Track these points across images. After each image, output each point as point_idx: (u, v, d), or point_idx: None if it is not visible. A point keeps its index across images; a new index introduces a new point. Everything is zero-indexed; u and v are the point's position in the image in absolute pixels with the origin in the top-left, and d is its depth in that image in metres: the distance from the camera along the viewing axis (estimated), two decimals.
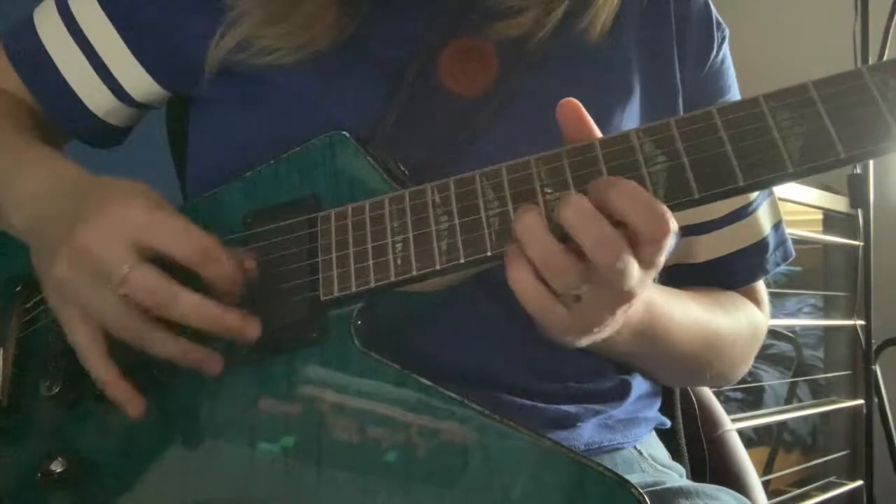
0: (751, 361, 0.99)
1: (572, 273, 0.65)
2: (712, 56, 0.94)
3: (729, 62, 0.97)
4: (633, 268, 0.65)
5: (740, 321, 0.95)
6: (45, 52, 0.94)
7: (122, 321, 0.72)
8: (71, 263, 0.72)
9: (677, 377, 1.01)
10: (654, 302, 0.81)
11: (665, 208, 0.64)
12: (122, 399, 0.74)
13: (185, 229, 0.72)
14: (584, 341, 0.72)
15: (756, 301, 1.00)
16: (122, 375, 0.74)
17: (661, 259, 0.66)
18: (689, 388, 1.15)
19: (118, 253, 0.71)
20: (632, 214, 0.64)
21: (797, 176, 0.64)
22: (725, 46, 0.96)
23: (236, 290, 0.73)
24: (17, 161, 0.86)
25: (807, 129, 0.64)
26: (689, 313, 0.88)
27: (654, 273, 0.68)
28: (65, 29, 0.93)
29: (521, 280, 0.66)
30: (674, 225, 0.64)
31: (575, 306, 0.67)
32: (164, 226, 0.72)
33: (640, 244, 0.65)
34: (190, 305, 0.71)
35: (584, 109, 0.69)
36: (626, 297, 0.68)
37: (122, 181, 0.77)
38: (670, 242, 0.65)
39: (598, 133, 0.70)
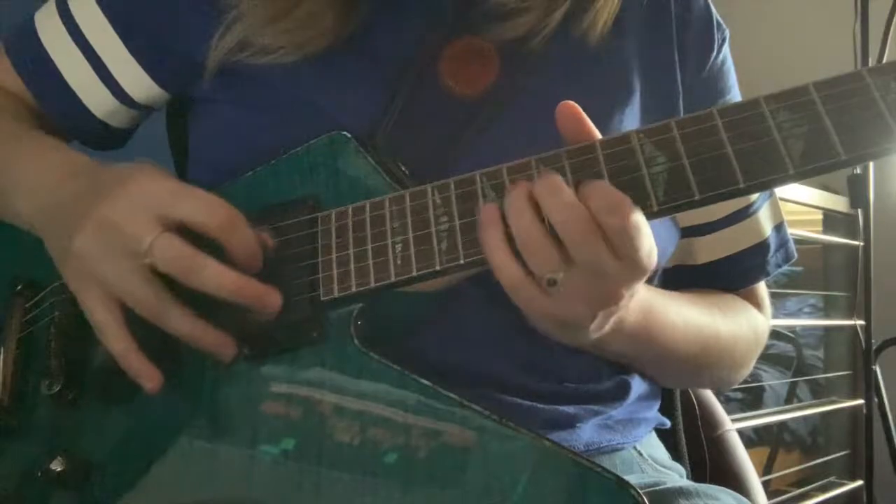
0: (752, 364, 0.98)
1: (548, 253, 0.66)
2: (713, 57, 0.94)
3: (730, 63, 0.97)
4: (605, 254, 0.65)
5: (740, 324, 0.95)
6: (46, 54, 0.94)
7: (142, 293, 0.72)
8: (93, 236, 0.73)
9: (676, 379, 1.01)
10: (650, 305, 0.81)
11: (621, 195, 0.65)
12: (138, 371, 0.74)
13: (208, 200, 0.73)
14: (568, 336, 0.73)
15: (757, 303, 1.00)
16: (138, 349, 0.74)
17: (639, 255, 0.66)
18: (689, 388, 1.15)
19: (143, 224, 0.71)
20: (591, 200, 0.65)
21: (798, 177, 0.64)
22: (726, 47, 0.96)
23: (257, 264, 0.74)
24: (21, 149, 0.86)
25: (807, 130, 0.64)
26: (687, 316, 0.88)
27: (640, 274, 0.68)
28: (65, 31, 0.93)
29: (497, 250, 0.67)
30: (632, 212, 0.65)
31: (553, 293, 0.67)
32: (189, 196, 0.73)
33: (608, 236, 0.65)
34: (215, 273, 0.71)
35: (582, 112, 0.70)
36: (610, 296, 0.68)
37: (136, 163, 0.78)
38: (635, 232, 0.65)
39: (598, 135, 0.70)
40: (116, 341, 0.74)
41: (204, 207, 0.73)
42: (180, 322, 0.73)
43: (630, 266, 0.67)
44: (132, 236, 0.71)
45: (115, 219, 0.72)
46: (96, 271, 0.73)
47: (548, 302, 0.68)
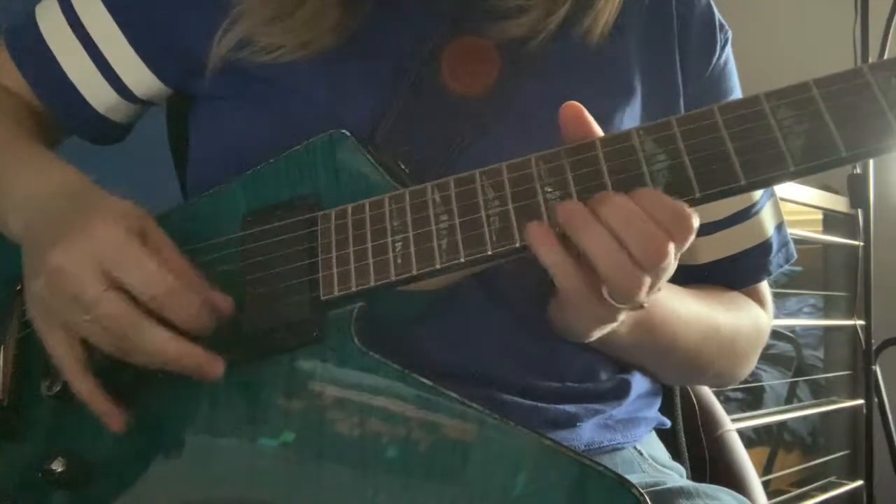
0: (754, 361, 0.98)
1: (642, 280, 0.67)
2: (715, 58, 0.94)
3: (732, 64, 0.97)
4: (673, 263, 0.67)
5: (742, 319, 0.95)
6: (47, 47, 0.94)
7: (102, 336, 0.71)
8: (47, 282, 0.72)
9: (677, 373, 1.00)
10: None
11: (687, 207, 0.66)
12: (100, 413, 0.74)
13: (149, 267, 0.70)
14: (598, 335, 0.74)
15: (759, 301, 1.00)
16: (100, 390, 0.73)
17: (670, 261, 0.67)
18: (689, 388, 1.15)
19: (87, 278, 0.69)
20: (659, 215, 0.65)
21: (798, 174, 0.64)
22: (728, 48, 0.96)
23: (204, 332, 0.71)
24: (15, 164, 0.86)
25: (808, 127, 0.64)
26: (689, 308, 0.88)
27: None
28: (67, 24, 0.93)
29: (570, 278, 0.67)
30: (696, 221, 0.66)
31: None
32: (131, 259, 0.70)
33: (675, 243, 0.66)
34: (151, 340, 0.70)
35: (586, 112, 0.69)
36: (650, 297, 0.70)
37: (110, 200, 0.76)
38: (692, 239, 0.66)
39: (601, 135, 0.70)
40: (78, 383, 0.73)
41: (141, 277, 0.70)
42: (149, 358, 0.71)
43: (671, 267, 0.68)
44: (77, 289, 0.70)
45: (63, 266, 0.70)
46: (53, 314, 0.73)
47: (603, 306, 0.69)
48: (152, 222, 0.75)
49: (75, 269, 0.70)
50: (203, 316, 0.71)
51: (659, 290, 0.70)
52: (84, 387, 0.73)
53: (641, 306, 0.68)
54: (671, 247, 0.66)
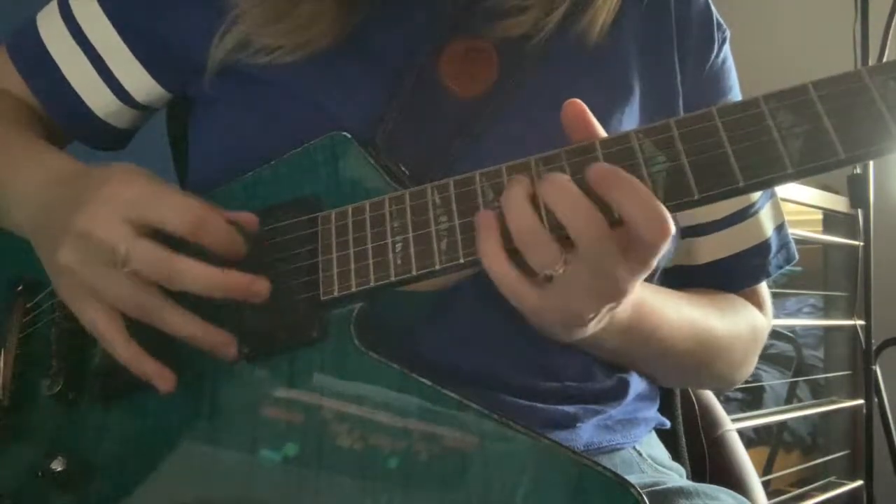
0: (752, 365, 0.98)
1: (549, 248, 0.65)
2: (713, 57, 0.94)
3: (730, 63, 0.97)
4: (616, 253, 0.65)
5: (738, 323, 0.95)
6: (48, 54, 0.94)
7: (134, 300, 0.72)
8: (74, 249, 0.73)
9: (672, 378, 1.01)
10: (642, 300, 0.81)
11: (665, 211, 0.64)
12: (151, 375, 0.74)
13: (175, 200, 0.72)
14: (568, 333, 0.72)
15: (758, 303, 0.99)
16: (146, 353, 0.74)
17: (654, 261, 0.66)
18: (689, 389, 1.15)
19: (116, 232, 0.71)
20: (632, 212, 0.64)
21: (797, 177, 0.64)
22: (726, 47, 0.96)
23: (239, 253, 0.73)
24: (17, 158, 0.86)
25: (806, 129, 0.64)
26: (682, 314, 0.88)
27: (645, 273, 0.68)
28: (67, 31, 0.93)
29: (491, 254, 0.67)
30: (672, 228, 0.64)
31: (548, 288, 0.67)
32: (155, 199, 0.72)
33: (636, 243, 0.65)
34: (195, 273, 0.71)
35: (588, 111, 0.69)
36: (615, 293, 0.68)
37: (114, 165, 0.77)
38: (666, 246, 0.65)
39: (603, 133, 0.70)
40: (123, 350, 0.74)
41: (168, 210, 0.72)
42: (178, 322, 0.73)
43: (640, 265, 0.67)
44: (108, 246, 0.71)
45: (89, 229, 0.72)
46: (85, 283, 0.73)
47: (546, 298, 0.68)
48: (154, 173, 0.76)
49: (102, 228, 0.71)
50: (234, 234, 0.73)
51: (614, 285, 0.67)
52: (129, 352, 0.74)
53: (548, 277, 0.66)
54: (604, 227, 0.64)
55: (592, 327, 0.72)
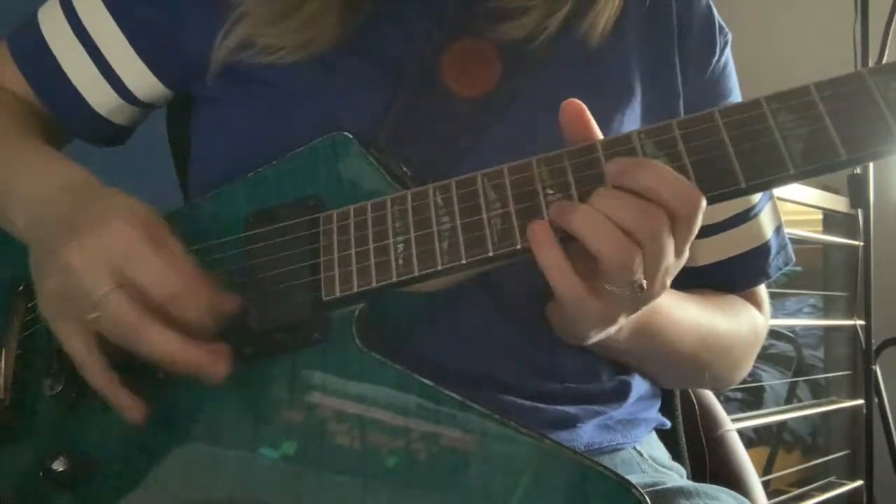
0: (750, 365, 0.98)
1: (638, 262, 0.66)
2: (714, 60, 0.94)
3: (731, 66, 0.97)
4: (671, 243, 0.66)
5: (739, 323, 0.95)
6: (49, 50, 0.94)
7: (110, 334, 0.71)
8: (58, 279, 0.72)
9: (675, 378, 1.01)
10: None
11: (690, 182, 0.65)
12: (120, 407, 0.74)
13: (159, 264, 0.71)
14: (597, 337, 0.73)
15: (757, 303, 1.00)
16: (120, 382, 0.73)
17: (688, 246, 0.68)
18: (689, 389, 1.15)
19: (97, 276, 0.70)
20: (664, 192, 0.65)
21: (799, 177, 0.65)
22: (728, 51, 0.96)
23: (207, 332, 0.71)
24: (20, 163, 0.86)
25: (808, 131, 0.64)
26: (688, 313, 0.88)
27: (681, 265, 0.69)
28: (68, 27, 0.93)
29: (561, 273, 0.67)
30: (703, 200, 0.66)
31: (610, 296, 0.68)
32: (142, 257, 0.71)
33: (675, 225, 0.66)
34: (155, 341, 0.69)
35: (587, 111, 0.70)
36: (663, 286, 0.70)
37: (124, 198, 0.76)
38: (699, 222, 0.66)
39: (600, 135, 0.70)
40: (96, 376, 0.73)
41: (151, 275, 0.70)
42: (158, 355, 0.71)
43: (681, 250, 0.68)
44: (86, 287, 0.70)
45: (74, 265, 0.71)
46: (64, 308, 0.73)
47: (602, 308, 0.69)
48: (161, 221, 0.75)
49: (85, 267, 0.70)
50: (208, 316, 0.71)
51: (663, 280, 0.69)
52: (101, 380, 0.73)
53: (642, 288, 0.67)
54: (663, 216, 0.65)
55: (617, 324, 0.73)
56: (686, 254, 0.69)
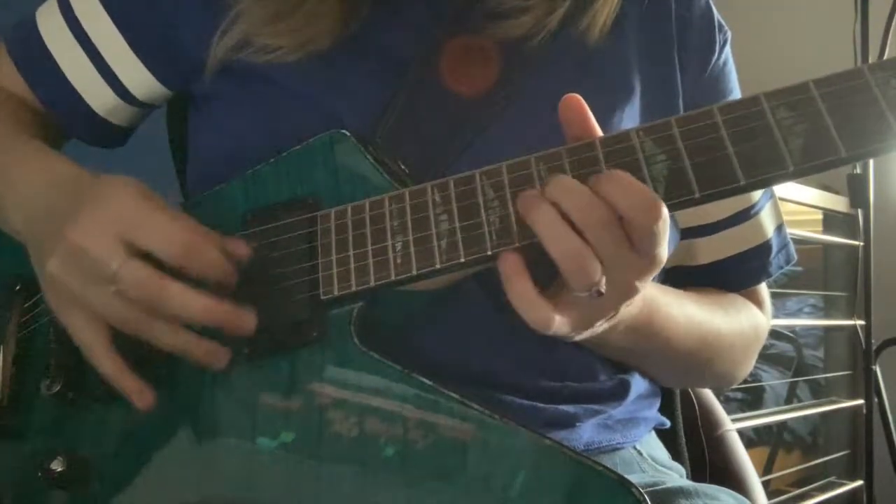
0: (752, 363, 0.98)
1: (594, 269, 0.65)
2: (714, 59, 0.94)
3: (731, 65, 0.97)
4: (628, 251, 0.65)
5: (741, 322, 0.95)
6: (48, 51, 0.94)
7: (121, 315, 0.71)
8: (64, 261, 0.72)
9: (675, 377, 1.01)
10: (652, 299, 0.81)
11: (653, 193, 0.65)
12: (129, 392, 0.74)
13: (165, 225, 0.72)
14: (584, 334, 0.73)
15: (758, 302, 1.00)
16: (128, 368, 0.74)
17: (659, 251, 0.67)
18: (689, 388, 1.15)
19: (108, 249, 0.70)
20: (623, 201, 0.64)
21: (798, 175, 0.64)
22: (727, 49, 0.96)
23: (227, 282, 0.73)
24: (14, 160, 0.86)
25: (807, 127, 0.64)
26: (687, 312, 0.88)
27: (655, 268, 0.68)
28: (67, 28, 0.93)
29: (525, 294, 0.67)
30: (664, 212, 0.65)
31: (567, 303, 0.68)
32: (148, 221, 0.72)
33: (636, 232, 0.65)
34: (180, 299, 0.70)
35: (586, 106, 0.69)
36: (628, 290, 0.68)
37: (113, 177, 0.76)
38: (664, 230, 0.65)
39: (600, 131, 0.70)
40: (105, 362, 0.74)
41: (160, 236, 0.71)
42: (166, 339, 0.72)
43: (647, 260, 0.67)
44: (99, 263, 0.70)
45: (82, 243, 0.71)
46: (72, 294, 0.73)
47: (567, 314, 0.69)
48: (152, 191, 0.75)
49: (94, 244, 0.71)
50: (224, 263, 0.72)
51: (628, 283, 0.68)
52: (110, 366, 0.74)
53: (600, 293, 0.66)
54: (611, 216, 0.65)
55: (605, 326, 0.72)
56: (656, 262, 0.68)
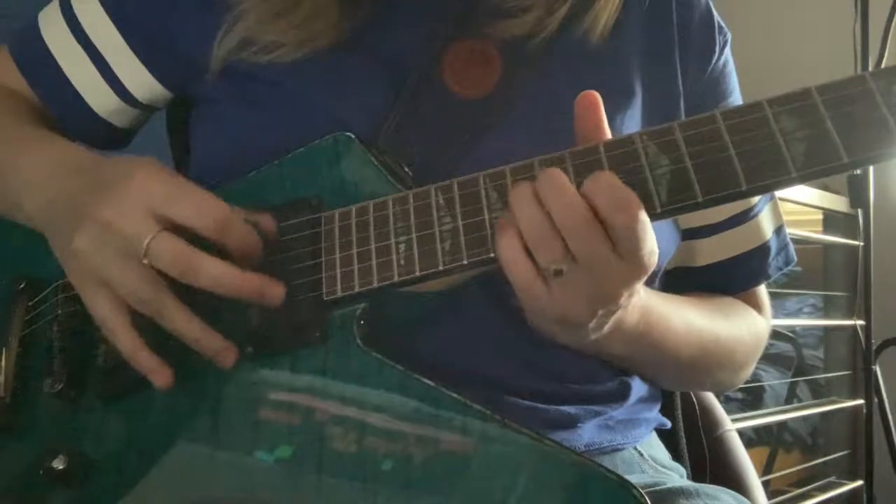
0: (752, 368, 0.98)
1: (554, 244, 0.66)
2: (714, 60, 0.94)
3: (731, 66, 0.97)
4: (606, 251, 0.66)
5: (741, 328, 0.95)
6: (50, 54, 0.94)
7: (144, 293, 0.72)
8: (93, 237, 0.73)
9: (675, 383, 1.01)
10: (650, 306, 0.81)
11: (630, 192, 0.66)
12: (148, 369, 0.74)
13: (201, 199, 0.73)
14: (568, 337, 0.74)
15: (757, 305, 1.00)
16: (146, 345, 0.74)
17: (643, 254, 0.67)
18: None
19: (140, 224, 0.71)
20: (600, 200, 0.65)
21: (800, 180, 0.65)
22: (727, 50, 0.96)
23: (255, 255, 0.74)
24: (22, 147, 0.86)
25: (810, 133, 0.64)
26: (688, 320, 0.88)
27: (642, 274, 0.68)
28: (69, 31, 0.93)
29: (508, 248, 0.68)
30: (640, 213, 0.65)
31: (554, 285, 0.68)
32: (182, 197, 0.73)
33: (612, 234, 0.66)
34: (212, 271, 0.71)
35: (601, 103, 0.70)
36: (609, 295, 0.69)
37: (134, 157, 0.78)
38: (643, 232, 0.66)
39: (608, 132, 0.70)
40: (124, 340, 0.74)
41: (195, 209, 0.72)
42: (181, 322, 0.73)
43: (631, 264, 0.67)
44: (130, 236, 0.71)
45: (112, 218, 0.72)
46: (98, 271, 0.73)
47: (550, 299, 0.69)
48: (172, 170, 0.77)
49: (128, 219, 0.72)
50: (255, 237, 0.74)
51: (620, 292, 0.69)
52: (130, 344, 0.74)
53: (558, 273, 0.67)
54: (589, 215, 0.66)
55: (594, 331, 0.72)
56: (642, 262, 0.68)
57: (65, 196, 0.78)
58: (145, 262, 0.71)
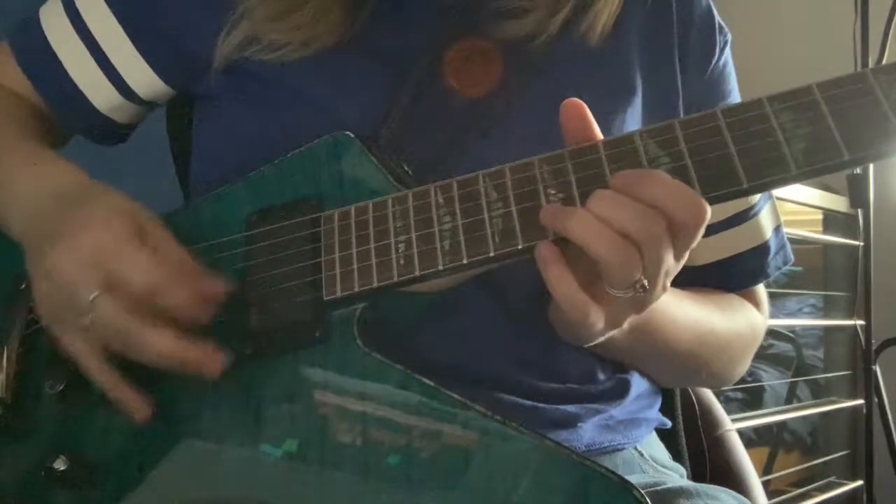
0: (748, 362, 0.98)
1: (636, 264, 0.66)
2: (714, 60, 0.94)
3: (731, 67, 0.97)
4: (670, 256, 0.66)
5: (738, 322, 0.95)
6: (51, 49, 0.94)
7: (103, 334, 0.71)
8: (49, 282, 0.72)
9: (672, 376, 1.01)
10: None
11: (699, 195, 0.65)
12: (125, 404, 0.74)
13: (141, 259, 0.71)
14: (602, 339, 0.74)
15: (755, 302, 1.00)
16: (123, 380, 0.73)
17: (688, 252, 0.68)
18: (689, 389, 1.15)
19: (82, 282, 0.70)
20: (670, 202, 0.65)
21: (801, 178, 0.65)
22: (727, 51, 0.96)
23: (199, 321, 0.72)
24: (15, 162, 0.86)
25: (811, 131, 0.64)
26: (686, 312, 0.88)
27: (679, 268, 0.69)
28: (70, 26, 0.93)
29: (564, 282, 0.67)
30: (709, 211, 0.65)
31: (611, 301, 0.68)
32: (124, 253, 0.71)
33: (676, 233, 0.66)
34: (147, 340, 0.70)
35: (587, 111, 0.70)
36: (663, 291, 0.70)
37: (111, 199, 0.76)
38: (702, 231, 0.66)
39: (600, 135, 0.70)
40: (98, 375, 0.74)
41: (133, 270, 0.70)
42: (152, 356, 0.71)
43: (681, 261, 0.68)
44: (74, 294, 0.70)
45: (62, 268, 0.71)
46: (60, 313, 0.73)
47: (609, 310, 0.69)
48: (148, 217, 0.75)
49: (70, 273, 0.71)
50: (196, 305, 0.71)
51: (663, 283, 0.69)
52: (104, 378, 0.73)
53: (644, 288, 0.67)
54: (661, 221, 0.65)
55: (609, 331, 0.73)
56: (686, 258, 0.69)
57: (37, 226, 0.78)
58: (83, 322, 0.70)
